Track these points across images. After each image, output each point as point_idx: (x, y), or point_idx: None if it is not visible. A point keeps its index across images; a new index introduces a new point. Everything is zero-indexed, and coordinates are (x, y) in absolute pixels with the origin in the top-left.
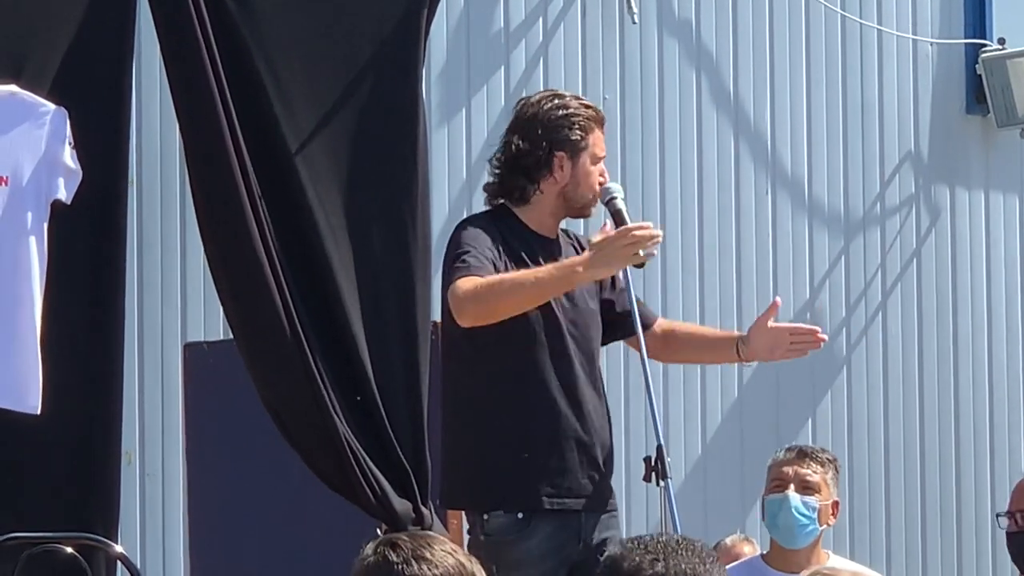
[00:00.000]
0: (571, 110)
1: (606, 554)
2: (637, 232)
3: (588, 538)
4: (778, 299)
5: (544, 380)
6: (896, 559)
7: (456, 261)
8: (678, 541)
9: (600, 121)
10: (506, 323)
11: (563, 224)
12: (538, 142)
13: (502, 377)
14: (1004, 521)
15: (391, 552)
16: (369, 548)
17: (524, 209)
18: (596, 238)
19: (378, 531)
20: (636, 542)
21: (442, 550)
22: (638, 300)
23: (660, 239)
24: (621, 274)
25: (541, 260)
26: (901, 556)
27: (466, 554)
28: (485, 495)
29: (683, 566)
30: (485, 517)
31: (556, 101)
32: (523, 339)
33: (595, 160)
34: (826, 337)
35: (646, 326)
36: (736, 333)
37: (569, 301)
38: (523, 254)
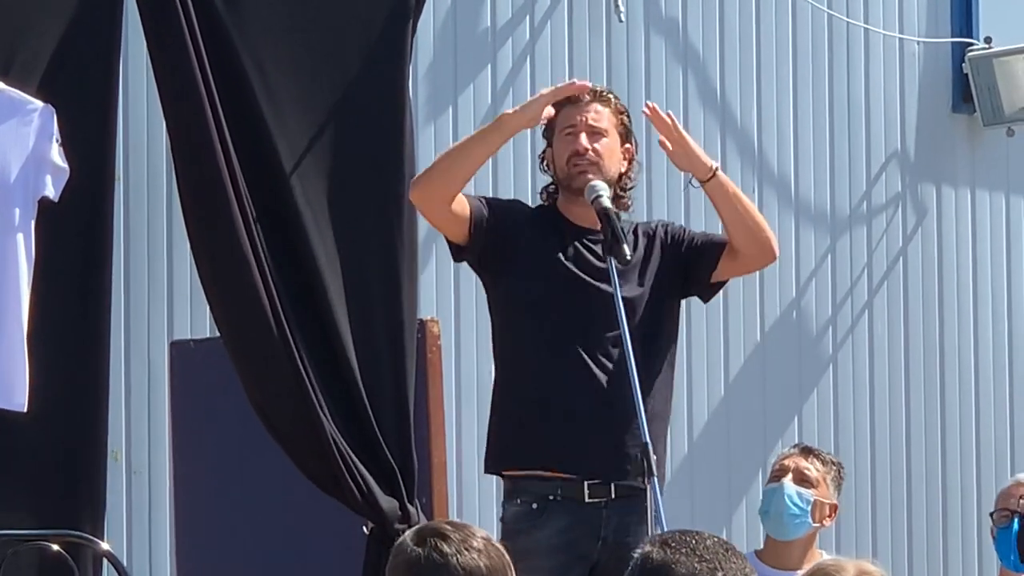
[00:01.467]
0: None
1: (642, 553)
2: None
3: (609, 536)
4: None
5: (544, 371)
6: (883, 557)
7: None
8: (719, 543)
9: (570, 97)
10: (507, 312)
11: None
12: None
13: (507, 367)
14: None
15: (443, 543)
16: (410, 539)
17: (561, 202)
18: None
19: (364, 529)
20: (678, 544)
21: (483, 538)
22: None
23: (586, 88)
24: (615, 273)
25: (571, 248)
26: (887, 554)
27: (501, 543)
28: (507, 486)
29: (735, 573)
30: (505, 506)
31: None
32: (523, 332)
33: (562, 133)
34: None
35: (723, 242)
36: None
37: (581, 290)
38: (552, 240)
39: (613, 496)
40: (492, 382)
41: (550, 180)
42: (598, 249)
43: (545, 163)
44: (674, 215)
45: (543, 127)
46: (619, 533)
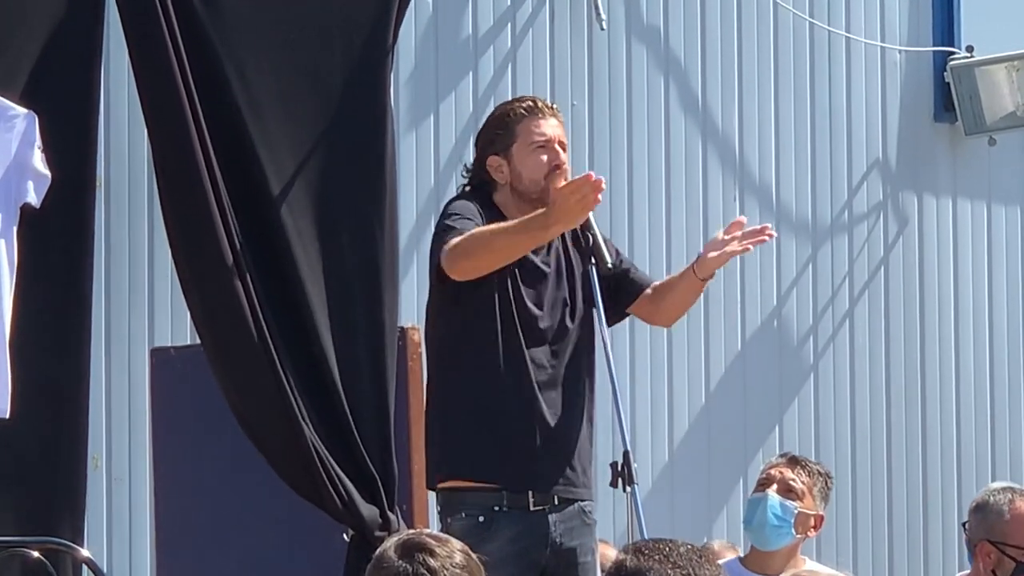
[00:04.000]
0: (499, 112)
1: (616, 561)
2: (582, 184)
3: (556, 541)
4: (743, 218)
5: (500, 379)
6: (863, 565)
7: (443, 228)
8: (692, 550)
9: (534, 109)
10: (467, 322)
11: None
12: (477, 158)
13: (460, 375)
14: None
15: (430, 559)
16: (394, 552)
17: (509, 206)
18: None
19: (344, 537)
20: (651, 551)
21: (462, 551)
22: (633, 266)
23: (603, 185)
24: (596, 279)
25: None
26: (868, 562)
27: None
28: (447, 498)
29: None
30: (448, 521)
31: (494, 112)
32: (481, 340)
33: (531, 146)
34: (774, 232)
35: (643, 290)
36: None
37: (537, 303)
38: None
39: (556, 502)
40: (428, 385)
41: (464, 182)
42: (540, 256)
43: (488, 169)
44: (655, 222)
45: (481, 135)
46: (565, 537)
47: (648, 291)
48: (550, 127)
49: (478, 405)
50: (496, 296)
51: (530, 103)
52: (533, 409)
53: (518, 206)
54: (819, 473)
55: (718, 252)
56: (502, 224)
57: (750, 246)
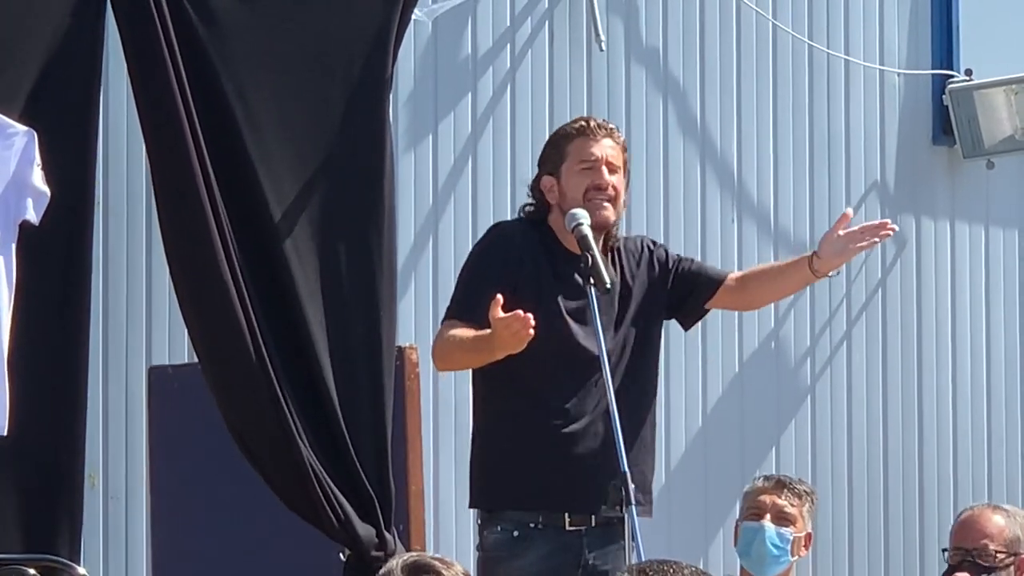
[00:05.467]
0: (555, 133)
1: None
2: (512, 321)
3: (589, 563)
4: (849, 211)
5: (537, 398)
6: None
7: (451, 300)
8: (696, 572)
9: (585, 130)
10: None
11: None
12: (535, 179)
13: (498, 393)
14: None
15: None
16: (398, 571)
17: (554, 223)
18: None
19: (340, 556)
20: (655, 572)
21: (464, 574)
22: (703, 266)
23: (531, 322)
24: (594, 300)
25: (565, 275)
26: None
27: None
28: (484, 510)
29: None
30: (484, 533)
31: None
32: (518, 357)
33: (578, 166)
34: (896, 227)
35: (720, 281)
36: (808, 253)
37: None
38: (549, 266)
39: (593, 524)
40: (474, 410)
41: (528, 201)
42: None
43: (539, 191)
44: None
45: (544, 155)
46: (599, 560)
47: (730, 282)
48: (600, 148)
49: (514, 433)
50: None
51: (583, 123)
52: (570, 434)
53: (566, 230)
54: (806, 493)
55: (840, 248)
56: (463, 337)
57: (876, 240)
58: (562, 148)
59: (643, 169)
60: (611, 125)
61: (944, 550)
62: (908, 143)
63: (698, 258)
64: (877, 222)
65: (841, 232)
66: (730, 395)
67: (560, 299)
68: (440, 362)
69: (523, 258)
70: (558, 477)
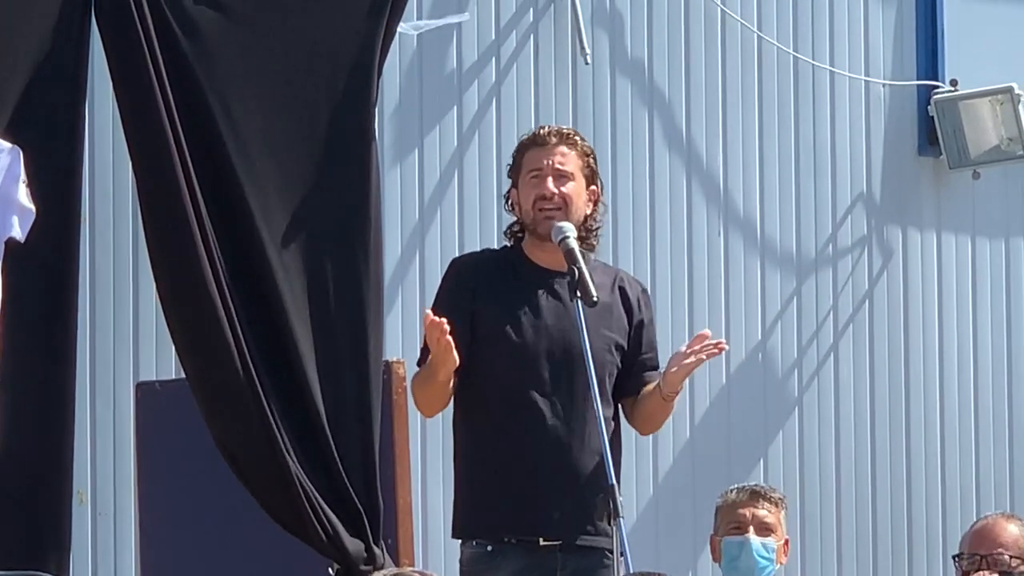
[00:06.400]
0: (517, 146)
1: None
2: (427, 328)
3: None
4: (706, 331)
5: (505, 413)
6: None
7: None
8: None
9: (536, 138)
10: (473, 354)
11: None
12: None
13: (471, 409)
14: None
15: None
16: None
17: (527, 245)
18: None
19: (329, 571)
20: None
21: None
22: (649, 366)
23: (445, 326)
24: (581, 313)
25: (538, 292)
26: None
27: None
28: (460, 524)
29: None
30: (462, 548)
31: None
32: (486, 373)
33: (530, 175)
34: (726, 345)
35: (635, 392)
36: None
37: (546, 338)
38: (508, 290)
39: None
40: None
41: (514, 220)
42: (564, 292)
43: (510, 204)
44: (639, 257)
45: (508, 167)
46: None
47: (637, 396)
48: (549, 155)
49: (481, 458)
50: (492, 350)
51: (537, 132)
52: (537, 456)
53: (532, 242)
54: (780, 500)
55: (677, 367)
56: (417, 377)
57: (704, 356)
58: (517, 160)
59: (629, 181)
60: (568, 131)
61: (955, 557)
62: (894, 154)
63: (686, 271)
64: (715, 341)
65: (686, 349)
66: (717, 407)
67: (523, 317)
68: (419, 408)
69: (476, 288)
70: (521, 506)
